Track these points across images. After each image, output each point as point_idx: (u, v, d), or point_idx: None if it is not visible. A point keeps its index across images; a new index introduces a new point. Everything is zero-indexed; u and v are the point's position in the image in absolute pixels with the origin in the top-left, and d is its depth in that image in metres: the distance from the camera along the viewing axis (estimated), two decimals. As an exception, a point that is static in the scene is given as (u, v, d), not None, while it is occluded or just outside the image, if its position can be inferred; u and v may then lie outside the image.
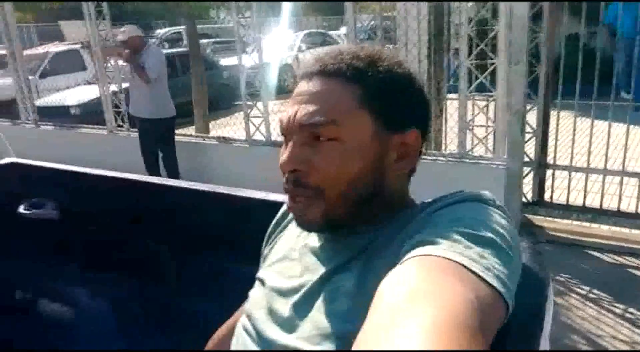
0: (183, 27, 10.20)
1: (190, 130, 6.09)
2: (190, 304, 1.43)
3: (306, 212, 0.75)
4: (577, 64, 3.31)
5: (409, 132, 0.75)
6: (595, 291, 2.79)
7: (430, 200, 0.75)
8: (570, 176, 3.53)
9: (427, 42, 3.98)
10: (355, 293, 0.68)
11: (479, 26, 3.46)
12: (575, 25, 4.26)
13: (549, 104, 3.55)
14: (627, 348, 2.34)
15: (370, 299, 0.55)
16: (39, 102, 6.95)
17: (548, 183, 3.65)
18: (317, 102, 0.72)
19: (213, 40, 14.01)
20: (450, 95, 4.33)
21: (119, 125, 5.29)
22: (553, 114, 3.58)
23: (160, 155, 4.55)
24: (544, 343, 0.73)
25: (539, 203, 3.67)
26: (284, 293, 0.77)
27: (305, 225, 0.77)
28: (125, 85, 5.01)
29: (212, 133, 5.94)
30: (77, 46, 10.34)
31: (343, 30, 11.70)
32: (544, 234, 3.41)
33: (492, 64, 3.37)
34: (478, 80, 3.43)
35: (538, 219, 3.60)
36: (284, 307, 0.75)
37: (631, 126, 3.34)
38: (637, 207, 3.35)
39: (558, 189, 3.69)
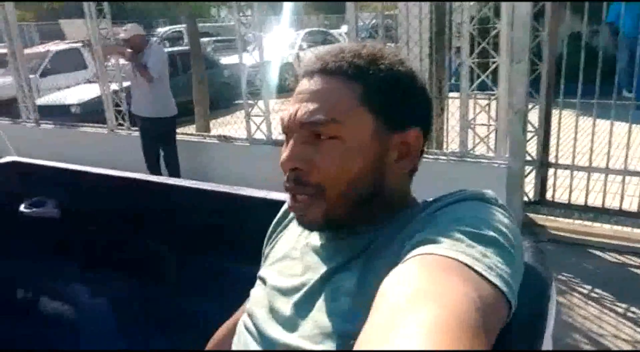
0: (184, 25, 10.21)
1: (191, 129, 6.10)
2: (191, 303, 1.43)
3: (307, 211, 0.74)
4: (579, 62, 3.30)
5: (410, 131, 0.74)
6: (597, 290, 2.79)
7: (431, 199, 0.75)
8: (572, 174, 3.53)
9: (428, 40, 3.98)
10: (356, 292, 0.67)
11: (481, 24, 3.45)
12: (577, 24, 4.26)
13: (551, 102, 3.54)
14: (629, 347, 2.33)
15: (371, 298, 0.54)
16: (40, 101, 6.95)
17: (550, 182, 3.65)
18: (318, 101, 0.72)
19: (214, 38, 14.01)
20: (451, 94, 4.33)
21: (120, 124, 5.29)
22: (555, 112, 3.57)
23: (162, 154, 4.55)
24: (547, 342, 0.72)
25: (541, 202, 3.66)
26: (285, 292, 0.77)
27: (306, 224, 0.77)
28: (126, 84, 5.00)
29: (213, 132, 5.94)
30: (78, 45, 10.34)
31: (344, 28, 11.70)
32: (546, 233, 3.40)
33: (494, 62, 3.36)
34: (480, 79, 3.42)
35: (540, 218, 3.60)
36: (285, 306, 0.74)
37: (633, 125, 3.34)
38: (639, 206, 3.35)
39: (560, 188, 3.68)
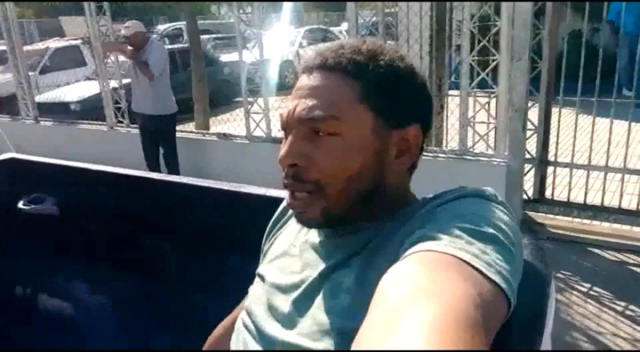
0: (184, 23, 10.19)
1: (191, 126, 6.09)
2: (190, 301, 1.43)
3: (306, 209, 0.74)
4: (579, 61, 3.30)
5: (410, 128, 0.74)
6: (596, 288, 2.79)
7: (431, 196, 0.75)
8: (571, 173, 3.53)
9: (428, 38, 3.97)
10: (355, 289, 0.67)
11: (481, 22, 3.45)
12: (577, 22, 4.26)
13: (551, 101, 3.54)
14: (628, 345, 2.33)
15: (371, 295, 0.54)
16: (39, 98, 6.94)
17: (549, 180, 3.65)
18: (317, 97, 0.71)
19: (214, 36, 13.98)
20: (451, 92, 4.32)
21: (119, 122, 5.28)
22: (555, 111, 3.57)
23: (161, 151, 4.54)
24: (546, 340, 0.72)
25: (540, 200, 3.66)
26: (284, 289, 0.76)
27: (305, 222, 0.76)
28: (125, 81, 5.00)
29: (212, 129, 5.94)
30: (78, 42, 10.33)
31: (344, 26, 11.70)
32: (545, 232, 3.40)
33: (494, 60, 3.36)
34: (480, 77, 3.42)
35: (539, 216, 3.60)
36: (284, 303, 0.74)
37: (633, 123, 3.34)
38: (638, 204, 3.35)
39: (559, 186, 3.69)
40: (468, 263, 0.55)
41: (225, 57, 10.14)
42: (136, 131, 4.74)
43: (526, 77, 3.19)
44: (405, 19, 4.00)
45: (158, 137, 4.50)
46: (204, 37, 11.11)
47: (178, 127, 4.83)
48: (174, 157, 4.53)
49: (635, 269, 2.98)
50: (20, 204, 1.63)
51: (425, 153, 0.80)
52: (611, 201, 3.47)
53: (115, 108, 5.25)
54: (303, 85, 0.74)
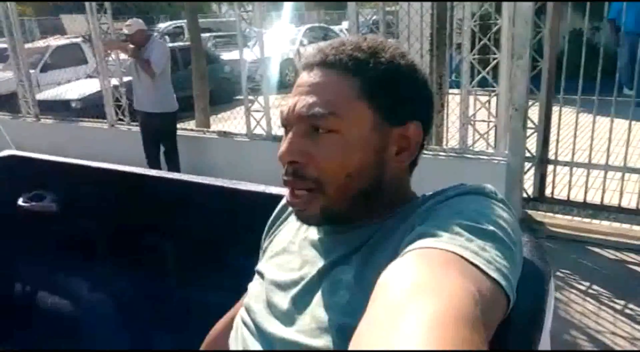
0: (184, 21, 10.18)
1: (191, 124, 6.09)
2: (190, 298, 1.43)
3: (306, 206, 0.74)
4: (580, 59, 3.29)
5: (410, 125, 0.74)
6: (595, 286, 2.79)
7: (431, 193, 0.75)
8: (571, 171, 3.53)
9: (429, 36, 3.97)
10: (355, 286, 0.67)
11: (482, 21, 3.45)
12: (578, 21, 4.25)
13: (551, 99, 3.54)
14: (627, 344, 2.33)
15: (370, 292, 0.54)
16: (40, 96, 6.93)
17: (549, 179, 3.65)
18: (317, 94, 0.71)
19: (214, 34, 13.98)
20: (452, 90, 4.32)
21: (120, 119, 5.28)
22: (555, 109, 3.57)
23: (162, 149, 4.55)
24: (545, 336, 0.73)
25: (540, 199, 3.66)
26: (283, 286, 0.76)
27: (305, 219, 0.76)
28: (126, 79, 5.00)
29: (213, 127, 5.93)
30: (79, 40, 10.31)
31: (345, 24, 11.69)
32: (545, 230, 3.40)
33: (495, 59, 3.36)
34: (480, 75, 3.42)
35: (539, 215, 3.59)
36: (283, 300, 0.74)
37: (633, 122, 3.33)
38: (638, 203, 3.35)
39: (559, 185, 3.68)
40: (468, 260, 0.55)
41: (226, 55, 10.14)
42: (137, 129, 4.74)
43: (527, 75, 3.19)
44: (405, 17, 4.00)
45: (159, 135, 4.51)
46: (204, 35, 11.11)
47: (179, 125, 4.83)
48: (174, 155, 4.53)
49: (634, 267, 2.98)
50: (20, 201, 1.62)
51: (425, 151, 0.80)
52: (611, 200, 3.47)
53: (115, 106, 5.25)
54: (303, 82, 0.74)
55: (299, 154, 0.72)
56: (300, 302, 0.72)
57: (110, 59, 5.21)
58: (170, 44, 8.69)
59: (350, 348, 0.48)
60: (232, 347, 0.81)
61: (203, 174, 1.51)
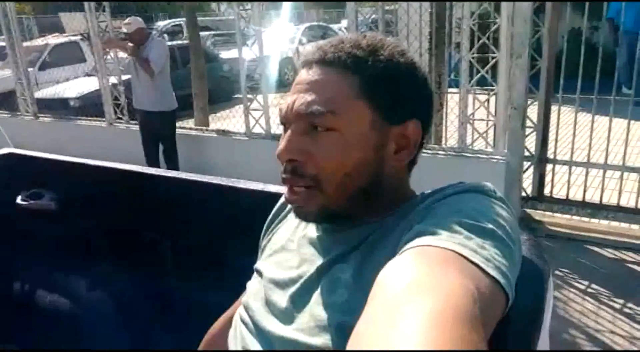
0: (183, 19, 10.16)
1: (190, 123, 6.08)
2: (189, 296, 1.43)
3: (304, 202, 0.74)
4: (579, 58, 3.29)
5: (409, 124, 0.74)
6: (594, 285, 2.79)
7: (430, 191, 0.75)
8: (570, 170, 3.53)
9: (428, 35, 3.97)
10: (353, 284, 0.67)
11: (481, 19, 3.45)
12: (577, 20, 4.25)
13: (550, 98, 3.54)
14: (626, 343, 2.34)
15: (369, 290, 0.54)
16: (38, 94, 6.92)
17: (548, 178, 3.65)
18: (316, 92, 0.71)
19: (213, 32, 13.95)
20: (451, 89, 4.32)
21: (119, 118, 5.28)
22: (554, 108, 3.57)
23: (161, 148, 4.54)
24: (544, 335, 0.73)
25: (539, 198, 3.66)
26: (281, 284, 0.76)
27: (303, 215, 0.76)
28: (125, 77, 4.99)
29: (212, 126, 5.93)
30: (77, 38, 10.30)
31: (344, 23, 11.67)
32: (544, 229, 3.40)
33: (494, 58, 3.36)
34: (479, 74, 3.42)
35: (538, 214, 3.60)
36: (282, 298, 0.74)
37: (632, 121, 3.33)
38: (636, 202, 3.35)
39: (558, 184, 3.69)
40: (466, 258, 0.55)
41: (224, 54, 10.13)
42: (135, 127, 4.74)
43: (525, 74, 3.19)
44: (404, 16, 4.00)
45: (158, 134, 4.50)
46: (203, 33, 11.09)
47: (178, 124, 4.82)
48: (173, 154, 4.53)
49: (633, 266, 2.99)
50: (19, 199, 1.62)
51: (424, 150, 0.79)
52: (610, 199, 3.47)
53: (114, 104, 5.24)
54: (302, 79, 0.74)
55: (298, 152, 0.72)
56: (299, 301, 0.72)
57: (108, 57, 5.20)
58: (169, 43, 8.69)
59: (348, 346, 0.47)
60: (230, 346, 0.81)
61: (202, 172, 1.51)
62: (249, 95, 4.38)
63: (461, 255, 0.55)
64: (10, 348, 1.60)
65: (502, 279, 0.56)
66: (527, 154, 3.57)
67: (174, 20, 15.50)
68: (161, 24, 15.64)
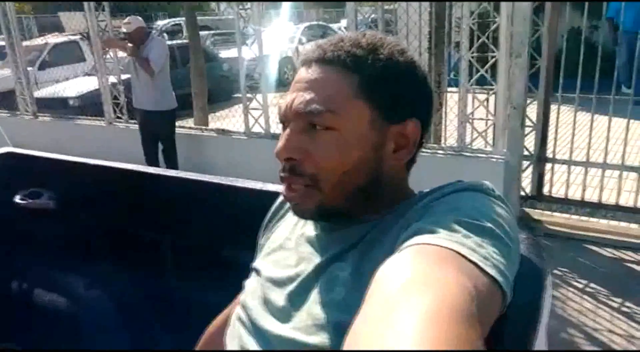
0: (183, 18, 10.15)
1: (189, 122, 6.08)
2: (188, 294, 1.43)
3: (301, 200, 0.74)
4: (579, 58, 3.29)
5: (409, 123, 0.74)
6: (592, 285, 2.79)
7: (428, 190, 0.74)
8: (569, 170, 3.53)
9: (427, 34, 3.97)
10: (351, 283, 0.67)
11: (480, 19, 3.44)
12: (577, 19, 4.25)
13: (550, 97, 3.54)
14: (624, 342, 2.34)
15: (366, 288, 0.54)
16: (38, 94, 6.92)
17: (547, 177, 3.65)
18: (314, 90, 0.71)
19: (213, 32, 13.95)
20: (450, 89, 4.32)
21: (118, 117, 5.27)
22: (553, 107, 3.57)
23: (161, 147, 4.54)
24: (542, 334, 0.73)
25: (538, 197, 3.66)
26: (279, 283, 0.76)
27: (301, 213, 0.76)
28: (124, 76, 4.99)
29: (211, 125, 5.93)
30: (77, 37, 10.29)
31: (344, 23, 11.66)
32: (543, 228, 3.41)
33: (493, 57, 3.36)
34: (479, 74, 3.42)
35: (536, 213, 3.60)
36: (279, 297, 0.74)
37: (631, 120, 3.34)
38: (635, 201, 3.35)
39: (557, 183, 3.69)
40: (464, 256, 0.55)
41: (224, 53, 10.13)
42: (135, 127, 4.73)
43: (525, 74, 3.19)
44: (404, 15, 4.00)
45: (158, 133, 4.50)
46: (203, 33, 11.09)
47: (177, 123, 4.82)
48: (173, 153, 4.53)
49: (632, 266, 2.99)
50: (17, 199, 1.62)
51: (423, 149, 0.79)
52: (609, 198, 3.47)
53: (114, 104, 5.24)
54: (301, 78, 0.73)
55: (296, 150, 0.72)
56: (297, 299, 0.72)
57: (108, 56, 5.20)
58: (169, 42, 8.68)
59: (345, 345, 0.47)
60: (228, 345, 0.81)
61: (201, 172, 1.51)
62: (249, 95, 4.38)
63: (459, 253, 0.55)
64: (9, 347, 1.60)
65: (500, 278, 0.56)
66: (526, 153, 3.57)
67: (173, 19, 15.49)
68: (161, 23, 15.63)
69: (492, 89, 3.48)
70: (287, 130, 0.73)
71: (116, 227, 1.60)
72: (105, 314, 1.55)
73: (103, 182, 1.60)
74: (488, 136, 3.58)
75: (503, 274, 0.57)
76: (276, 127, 4.24)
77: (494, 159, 3.39)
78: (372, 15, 4.01)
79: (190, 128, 5.21)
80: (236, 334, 0.79)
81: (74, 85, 7.65)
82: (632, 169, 3.43)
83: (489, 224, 0.61)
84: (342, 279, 0.68)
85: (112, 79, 5.19)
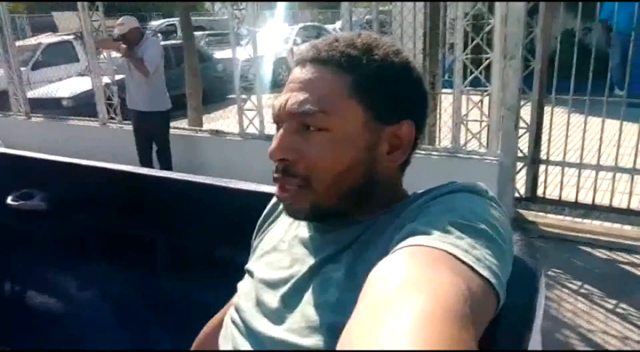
0: (177, 19, 10.13)
1: (184, 123, 6.07)
2: (183, 295, 1.42)
3: (294, 200, 0.74)
4: (572, 59, 3.31)
5: (403, 124, 0.73)
6: (586, 286, 2.80)
7: (422, 191, 0.74)
8: (563, 171, 3.54)
9: (422, 36, 3.98)
10: (345, 284, 0.67)
11: (475, 20, 3.45)
12: (570, 21, 4.27)
13: (543, 99, 3.55)
14: (618, 343, 2.35)
15: (360, 290, 0.54)
16: (31, 94, 6.89)
17: (541, 178, 3.66)
18: (308, 91, 0.71)
19: (207, 32, 13.93)
20: (444, 90, 4.33)
21: (111, 118, 5.25)
22: (547, 109, 3.59)
23: (155, 148, 4.52)
24: (536, 335, 0.73)
25: (532, 198, 3.68)
26: (272, 285, 0.76)
27: (293, 213, 0.76)
28: (118, 77, 4.97)
29: (206, 126, 5.91)
30: (70, 37, 10.25)
31: (339, 24, 11.69)
32: (536, 230, 3.42)
33: (487, 58, 3.37)
34: (473, 75, 3.43)
35: (530, 215, 3.61)
36: (273, 299, 0.74)
37: (624, 122, 3.35)
38: (629, 203, 3.37)
39: (551, 185, 3.70)
40: (458, 258, 0.55)
41: (218, 54, 10.11)
42: (128, 128, 4.72)
43: (519, 75, 3.20)
44: (399, 16, 4.00)
45: (152, 134, 4.48)
46: (197, 33, 11.07)
47: (171, 124, 4.81)
48: (167, 154, 4.51)
49: (625, 267, 3.00)
50: (9, 200, 1.61)
51: (417, 151, 0.79)
52: (602, 200, 3.49)
53: (107, 104, 5.22)
54: (295, 78, 0.73)
55: (289, 151, 0.71)
56: (290, 301, 0.71)
57: (102, 57, 5.18)
58: (163, 42, 8.66)
59: (338, 346, 0.47)
60: (221, 347, 0.80)
61: (195, 172, 1.51)
62: (243, 96, 4.37)
63: (452, 255, 0.55)
64: (4, 349, 1.59)
65: (493, 279, 0.56)
66: (520, 154, 3.58)
67: (167, 20, 15.46)
68: (155, 23, 15.59)
69: (486, 91, 3.49)
70: (281, 131, 0.73)
71: (109, 229, 1.59)
72: (98, 315, 1.54)
73: (96, 183, 1.59)
74: (482, 138, 3.59)
75: (496, 275, 0.57)
76: (270, 128, 4.23)
77: (488, 161, 3.39)
78: (367, 16, 4.02)
79: (184, 129, 5.20)
80: (229, 336, 0.78)
81: (67, 85, 7.62)
82: (625, 170, 3.45)
83: (482, 226, 0.61)
84: (336, 280, 0.68)
85: (106, 79, 5.17)
